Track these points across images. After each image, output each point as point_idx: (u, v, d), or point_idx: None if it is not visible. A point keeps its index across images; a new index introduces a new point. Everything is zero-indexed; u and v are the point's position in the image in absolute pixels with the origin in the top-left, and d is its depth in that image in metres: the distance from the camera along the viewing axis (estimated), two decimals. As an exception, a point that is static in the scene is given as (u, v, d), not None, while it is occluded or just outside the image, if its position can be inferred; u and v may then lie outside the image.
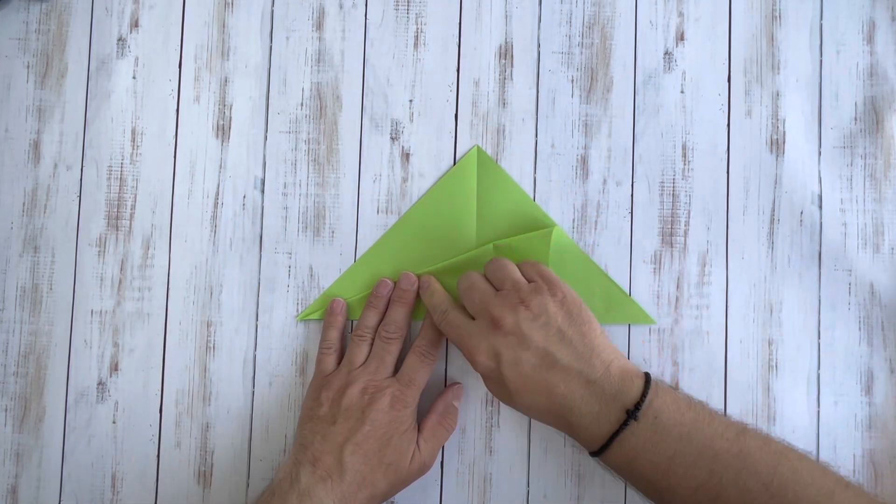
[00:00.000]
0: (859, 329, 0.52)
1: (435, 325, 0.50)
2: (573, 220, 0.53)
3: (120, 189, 0.53)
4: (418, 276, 0.52)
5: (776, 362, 0.52)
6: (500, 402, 0.51)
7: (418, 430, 0.49)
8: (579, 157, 0.53)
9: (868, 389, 0.52)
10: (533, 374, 0.44)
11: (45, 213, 0.53)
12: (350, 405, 0.47)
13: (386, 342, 0.49)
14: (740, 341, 0.52)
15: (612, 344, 0.46)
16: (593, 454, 0.45)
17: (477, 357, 0.45)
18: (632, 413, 0.42)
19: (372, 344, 0.50)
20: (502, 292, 0.47)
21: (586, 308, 0.46)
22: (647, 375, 0.44)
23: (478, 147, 0.53)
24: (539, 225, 0.52)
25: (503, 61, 0.54)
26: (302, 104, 0.54)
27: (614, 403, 0.43)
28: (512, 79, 0.54)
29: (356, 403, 0.47)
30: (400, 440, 0.47)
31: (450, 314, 0.48)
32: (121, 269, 0.53)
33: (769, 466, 0.41)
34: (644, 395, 0.43)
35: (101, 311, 0.52)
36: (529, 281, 0.47)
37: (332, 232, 0.53)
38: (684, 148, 0.54)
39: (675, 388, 0.44)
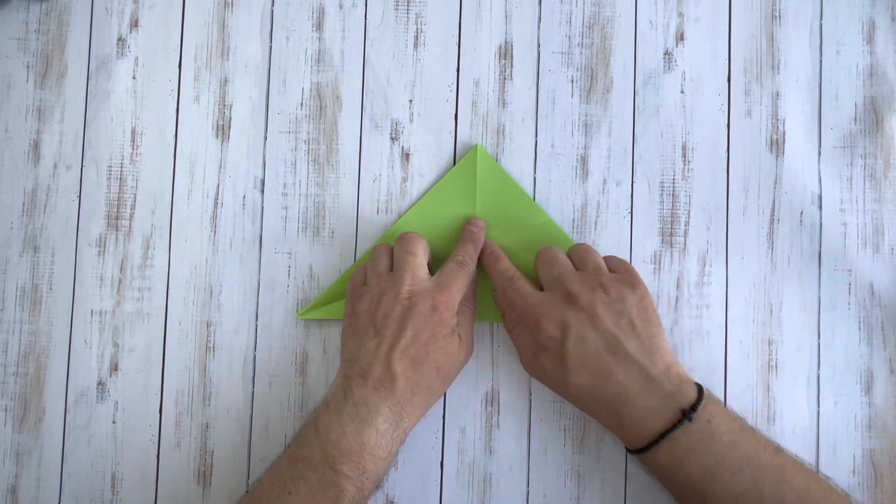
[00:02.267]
0: (859, 329, 0.52)
1: (473, 240, 0.50)
2: (573, 220, 0.53)
3: (120, 189, 0.53)
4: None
5: (776, 362, 0.52)
6: (540, 384, 0.50)
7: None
8: (579, 157, 0.53)
9: (868, 389, 0.52)
10: (596, 355, 0.44)
11: (44, 213, 0.53)
12: (388, 312, 0.46)
13: (407, 254, 0.47)
14: (740, 341, 0.52)
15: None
16: (635, 451, 0.45)
17: (543, 325, 0.45)
18: (688, 413, 0.43)
19: (391, 254, 0.49)
20: (583, 272, 0.47)
21: (657, 314, 0.47)
22: (698, 385, 0.45)
23: (479, 146, 0.53)
24: (538, 225, 0.52)
25: (503, 61, 0.54)
26: (302, 104, 0.54)
27: (671, 402, 0.44)
28: (512, 79, 0.54)
29: (394, 310, 0.46)
30: (446, 342, 0.46)
31: (518, 281, 0.48)
32: (121, 269, 0.53)
33: (805, 482, 0.42)
34: (699, 398, 0.44)
35: (100, 311, 0.52)
36: (612, 271, 0.47)
37: (332, 232, 0.53)
38: (684, 148, 0.53)
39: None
